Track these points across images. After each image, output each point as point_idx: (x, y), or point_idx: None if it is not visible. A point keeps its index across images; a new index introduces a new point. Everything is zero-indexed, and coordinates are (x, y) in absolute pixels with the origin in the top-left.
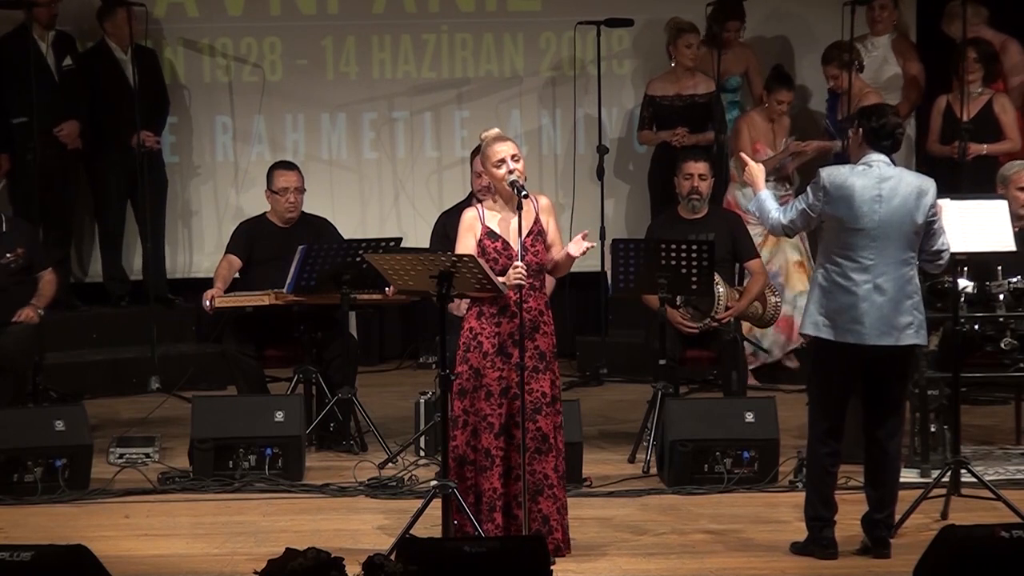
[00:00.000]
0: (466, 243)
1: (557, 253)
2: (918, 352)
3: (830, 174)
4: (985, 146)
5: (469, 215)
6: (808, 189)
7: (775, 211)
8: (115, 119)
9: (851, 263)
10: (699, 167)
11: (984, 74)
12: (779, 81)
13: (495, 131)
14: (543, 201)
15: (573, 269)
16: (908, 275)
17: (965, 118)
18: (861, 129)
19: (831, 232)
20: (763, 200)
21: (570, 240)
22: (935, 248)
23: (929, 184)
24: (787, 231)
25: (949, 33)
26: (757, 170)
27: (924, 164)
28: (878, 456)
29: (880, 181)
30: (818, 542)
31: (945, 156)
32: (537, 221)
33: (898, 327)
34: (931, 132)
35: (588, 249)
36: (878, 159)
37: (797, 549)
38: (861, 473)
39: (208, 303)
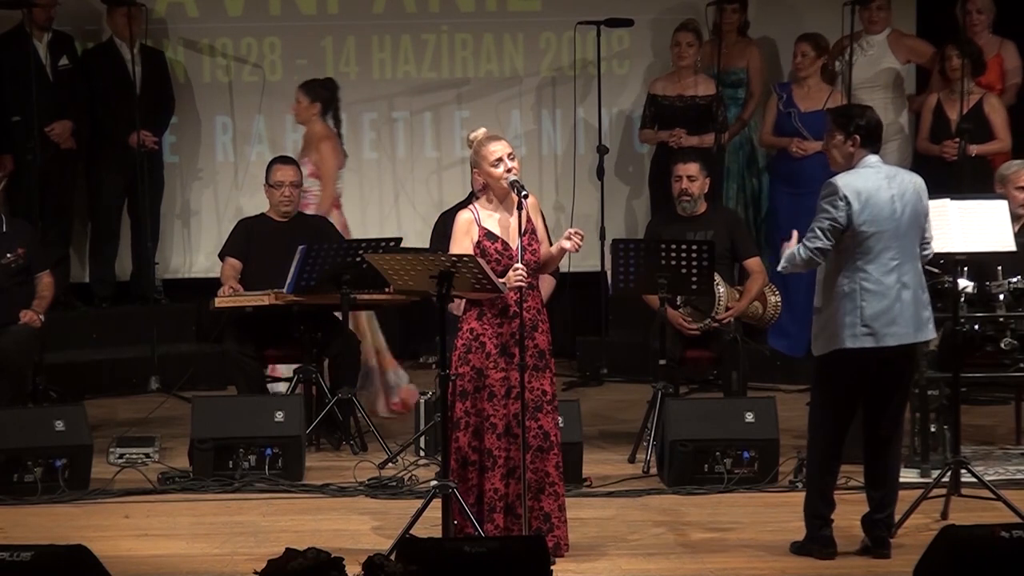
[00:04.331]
0: (461, 246)
1: (545, 249)
2: (919, 349)
3: (847, 183)
4: (975, 147)
5: (464, 218)
6: (823, 204)
7: (799, 248)
8: (116, 118)
9: (877, 266)
10: (688, 168)
11: (970, 71)
12: None
13: (483, 130)
14: (530, 199)
15: (573, 269)
16: (919, 269)
17: (955, 118)
18: (858, 136)
19: (849, 240)
20: (786, 251)
21: (562, 236)
22: (926, 239)
23: (919, 178)
24: (821, 254)
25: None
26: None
27: (916, 162)
28: (883, 455)
29: (888, 180)
30: (817, 540)
31: (935, 155)
32: (529, 220)
33: (923, 321)
34: (921, 130)
35: (579, 241)
36: (873, 160)
37: (796, 548)
38: (861, 473)
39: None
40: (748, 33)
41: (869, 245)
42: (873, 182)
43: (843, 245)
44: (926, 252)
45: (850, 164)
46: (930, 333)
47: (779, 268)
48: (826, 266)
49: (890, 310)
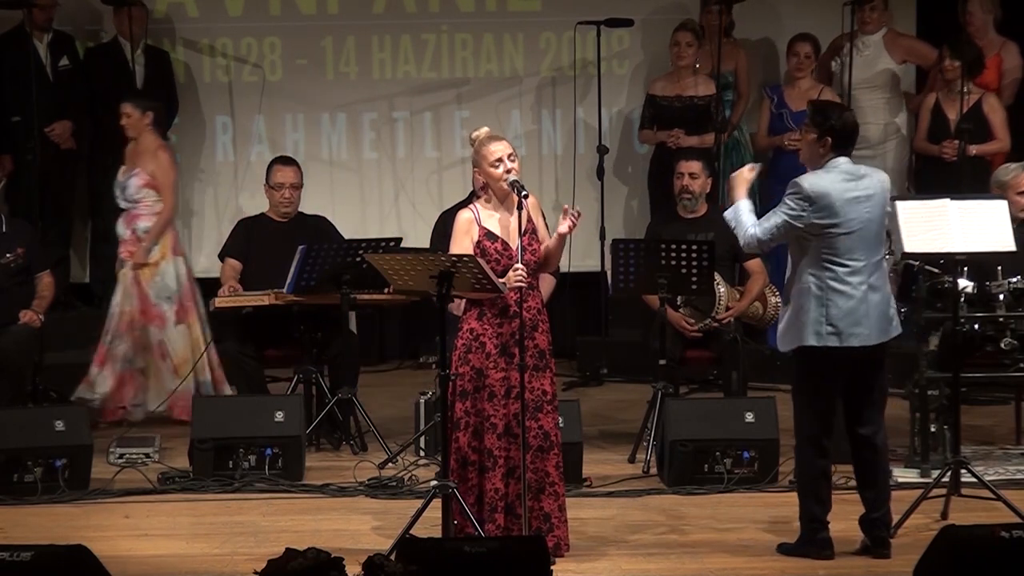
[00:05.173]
0: (461, 246)
1: (545, 245)
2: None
3: (812, 184)
4: (974, 147)
5: (464, 217)
6: (788, 200)
7: (751, 226)
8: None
9: (843, 267)
10: (691, 166)
11: (966, 72)
12: None
13: (485, 129)
14: (530, 199)
15: (573, 269)
16: (885, 269)
17: (953, 118)
18: (830, 138)
19: (816, 240)
20: (740, 212)
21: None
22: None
23: (887, 177)
24: (763, 246)
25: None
26: (741, 177)
27: (916, 162)
28: (868, 455)
29: (855, 181)
30: (816, 543)
31: (933, 155)
32: (530, 220)
33: (889, 320)
34: (919, 130)
35: (575, 219)
36: (841, 161)
37: (787, 550)
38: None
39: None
40: (738, 35)
41: (836, 246)
42: (840, 184)
43: (811, 244)
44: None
45: (818, 163)
46: (895, 331)
47: (725, 214)
48: (794, 263)
49: (856, 311)
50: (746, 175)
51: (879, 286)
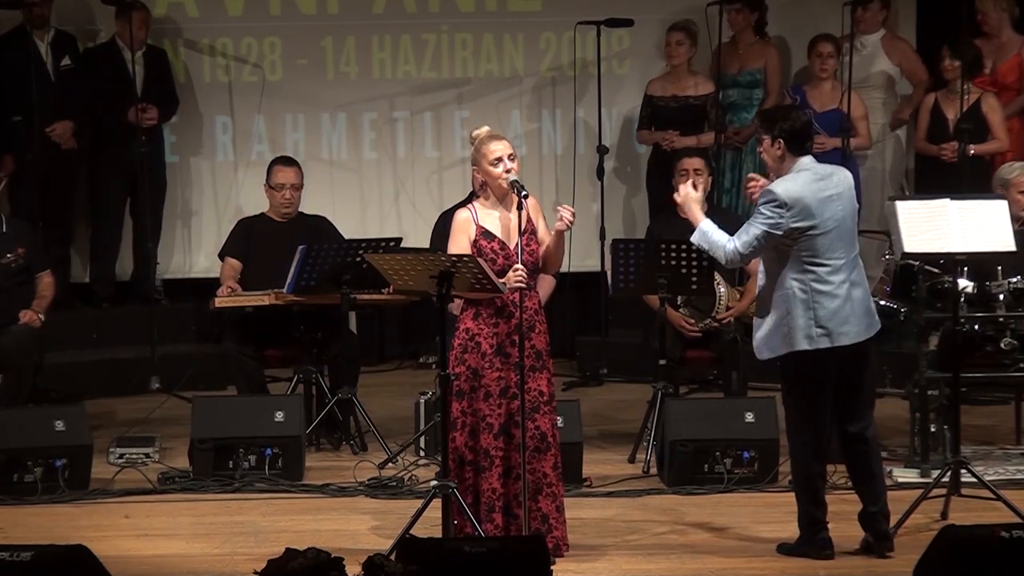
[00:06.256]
0: (459, 244)
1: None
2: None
3: (786, 189)
4: (972, 147)
5: (462, 216)
6: (762, 210)
7: (727, 241)
8: (117, 119)
9: (825, 267)
10: (693, 162)
11: (965, 72)
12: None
13: (486, 128)
14: (531, 200)
15: (573, 269)
16: (861, 264)
17: (952, 118)
18: (782, 140)
19: (794, 244)
20: (708, 232)
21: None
22: None
23: (850, 174)
24: (746, 259)
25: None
26: (691, 199)
27: (916, 162)
28: (861, 450)
29: (825, 180)
30: (816, 543)
31: (932, 155)
32: (529, 220)
33: (872, 315)
34: (919, 130)
35: (570, 217)
36: (806, 162)
37: (787, 550)
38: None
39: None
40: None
41: (815, 247)
42: (812, 186)
43: (789, 250)
44: None
45: (782, 167)
46: (877, 326)
47: (692, 238)
48: (771, 270)
49: (842, 310)
50: (695, 195)
51: (859, 282)
